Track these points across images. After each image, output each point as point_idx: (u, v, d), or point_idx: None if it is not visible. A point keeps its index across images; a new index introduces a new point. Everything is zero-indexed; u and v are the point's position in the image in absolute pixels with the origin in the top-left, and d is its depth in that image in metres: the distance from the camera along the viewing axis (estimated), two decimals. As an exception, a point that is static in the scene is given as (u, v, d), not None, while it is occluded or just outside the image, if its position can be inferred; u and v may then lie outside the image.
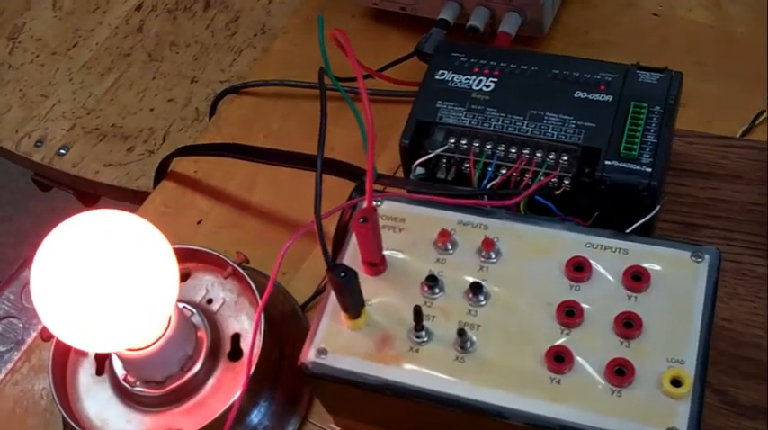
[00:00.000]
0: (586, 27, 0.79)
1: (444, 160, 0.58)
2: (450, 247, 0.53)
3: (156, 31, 0.95)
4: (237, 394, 0.54)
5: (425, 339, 0.50)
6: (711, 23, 0.78)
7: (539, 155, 0.56)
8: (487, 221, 0.53)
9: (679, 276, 0.50)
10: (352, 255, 0.53)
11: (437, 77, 0.61)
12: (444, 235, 0.52)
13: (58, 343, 0.58)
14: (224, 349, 0.59)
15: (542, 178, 0.56)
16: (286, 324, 0.62)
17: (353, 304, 0.49)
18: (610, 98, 0.58)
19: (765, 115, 0.69)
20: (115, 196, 0.87)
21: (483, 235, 0.53)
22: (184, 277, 0.61)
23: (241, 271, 0.60)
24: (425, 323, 0.50)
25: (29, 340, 0.66)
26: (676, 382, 0.46)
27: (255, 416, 0.58)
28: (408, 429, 0.55)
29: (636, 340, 0.48)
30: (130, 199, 0.86)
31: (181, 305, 0.58)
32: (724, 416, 0.57)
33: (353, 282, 0.48)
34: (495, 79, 0.60)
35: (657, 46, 0.77)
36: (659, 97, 0.57)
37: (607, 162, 0.55)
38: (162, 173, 0.75)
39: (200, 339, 0.58)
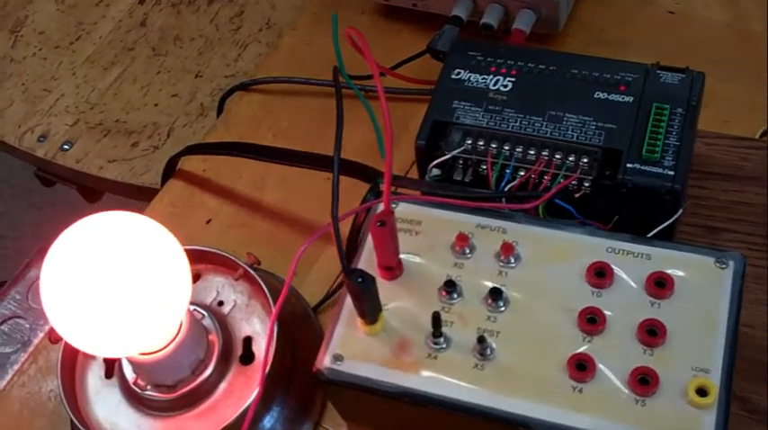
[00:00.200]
0: (602, 24, 0.77)
1: (461, 161, 0.57)
2: (468, 251, 0.51)
3: (160, 24, 0.94)
4: (251, 399, 0.53)
5: (444, 346, 0.49)
6: (728, 21, 0.77)
7: (558, 157, 0.55)
8: (506, 225, 0.52)
9: (703, 283, 0.49)
10: (367, 259, 0.52)
11: (453, 77, 0.59)
12: (462, 238, 0.51)
13: (67, 345, 0.57)
14: (235, 352, 0.58)
15: (562, 181, 0.54)
16: (298, 326, 0.61)
17: (371, 310, 0.48)
18: (630, 99, 0.57)
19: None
20: (119, 192, 0.87)
21: (501, 239, 0.52)
22: (195, 279, 0.60)
23: (252, 273, 0.59)
24: (443, 329, 0.48)
25: (35, 341, 0.65)
26: (702, 392, 0.45)
27: (268, 421, 0.57)
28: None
29: (660, 348, 0.47)
30: (135, 195, 0.85)
31: (192, 308, 0.57)
32: (746, 423, 0.56)
33: (371, 288, 0.47)
34: (513, 79, 0.59)
35: (674, 44, 0.75)
36: (681, 98, 0.56)
37: (629, 164, 0.54)
38: (170, 171, 0.74)
39: (212, 342, 0.57)
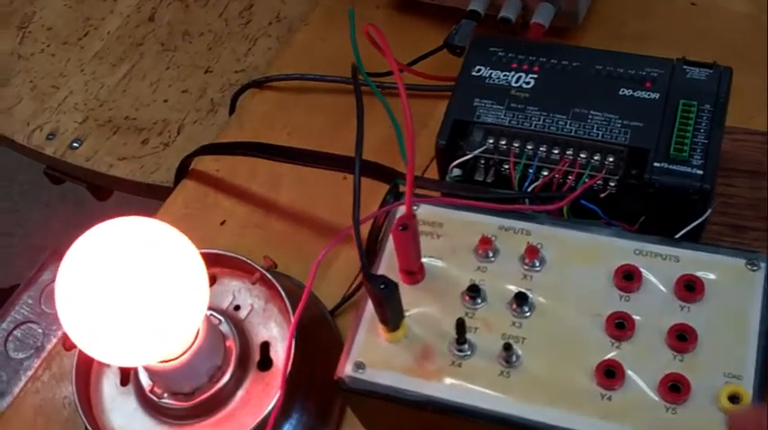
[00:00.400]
0: (622, 17, 0.76)
1: (483, 161, 0.56)
2: (491, 255, 0.50)
3: (169, 19, 0.92)
4: (271, 406, 0.52)
5: (468, 352, 0.47)
6: (751, 13, 0.75)
7: (583, 156, 0.54)
8: (530, 226, 0.51)
9: (734, 286, 0.48)
10: (388, 263, 0.51)
11: (474, 74, 0.58)
12: (485, 242, 0.50)
13: (82, 352, 0.56)
14: (253, 358, 0.56)
15: (587, 181, 0.53)
16: (316, 330, 0.60)
17: (393, 317, 0.47)
18: (657, 96, 0.55)
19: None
20: (129, 190, 0.86)
21: (526, 241, 0.50)
22: (211, 283, 0.59)
23: (270, 277, 0.57)
24: (467, 335, 0.47)
25: (49, 346, 0.64)
26: (734, 399, 0.44)
27: (287, 429, 0.56)
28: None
29: (690, 354, 0.46)
30: (145, 193, 0.84)
31: (208, 313, 0.56)
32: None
33: (394, 295, 0.45)
34: (536, 75, 0.57)
35: (696, 37, 0.74)
36: (709, 95, 0.55)
37: (656, 164, 0.52)
38: (183, 171, 0.73)
39: (229, 348, 0.56)
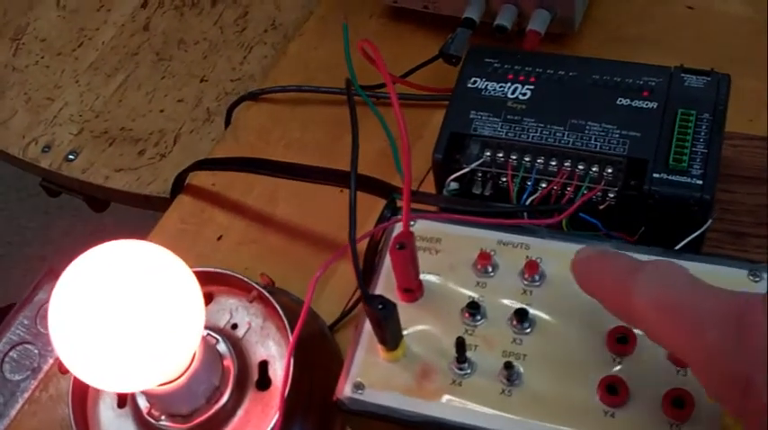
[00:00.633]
0: (618, 22, 0.75)
1: (480, 174, 0.55)
2: (490, 270, 0.49)
3: (164, 28, 0.92)
4: (270, 427, 0.51)
5: (468, 371, 0.47)
6: (749, 15, 0.74)
7: (581, 167, 0.53)
8: (529, 240, 0.50)
9: (736, 297, 0.47)
10: (386, 280, 0.50)
11: (469, 86, 0.57)
12: (484, 257, 0.49)
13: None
14: (251, 378, 0.56)
15: (586, 192, 0.52)
16: (315, 348, 0.59)
17: (392, 337, 0.46)
18: (654, 105, 0.54)
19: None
20: (126, 202, 0.85)
21: (525, 255, 0.50)
22: (207, 301, 0.58)
23: (267, 295, 0.57)
24: (467, 353, 0.47)
25: (45, 367, 0.64)
26: (738, 414, 0.43)
27: (287, 449, 0.55)
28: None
29: (694, 369, 0.45)
30: (142, 204, 0.84)
31: (205, 332, 0.55)
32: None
33: (393, 315, 0.45)
34: (532, 86, 0.57)
35: (694, 40, 0.73)
36: (707, 103, 0.54)
37: (655, 175, 0.52)
38: (178, 186, 0.72)
39: (227, 368, 0.55)
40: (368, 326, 0.48)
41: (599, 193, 0.53)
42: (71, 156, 0.85)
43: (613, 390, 0.45)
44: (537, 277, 0.49)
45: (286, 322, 0.56)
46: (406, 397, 0.46)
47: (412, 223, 0.51)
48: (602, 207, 0.53)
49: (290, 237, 0.68)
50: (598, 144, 0.54)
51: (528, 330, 0.47)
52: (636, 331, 0.46)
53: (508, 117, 0.56)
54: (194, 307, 0.48)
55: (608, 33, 0.74)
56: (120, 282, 0.45)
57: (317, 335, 0.61)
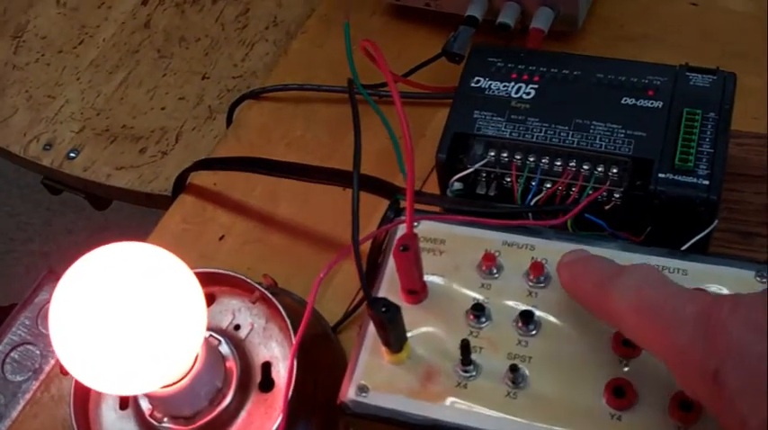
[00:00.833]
0: (622, 19, 0.75)
1: (484, 174, 0.55)
2: (495, 271, 0.49)
3: (165, 25, 0.91)
4: (273, 429, 0.51)
5: (473, 373, 0.46)
6: (753, 12, 0.74)
7: (586, 167, 0.53)
8: (534, 241, 0.50)
9: (743, 298, 0.46)
10: (389, 282, 0.50)
11: (473, 85, 0.57)
12: (489, 258, 0.49)
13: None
14: (254, 379, 0.55)
15: (591, 193, 0.52)
16: (318, 349, 0.59)
17: (396, 339, 0.46)
18: (660, 104, 0.54)
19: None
20: (128, 200, 0.85)
21: (530, 256, 0.49)
22: (209, 302, 0.58)
23: (270, 296, 0.56)
24: (472, 356, 0.46)
25: (47, 368, 0.63)
26: (747, 418, 0.43)
27: (290, 451, 0.55)
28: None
29: (701, 371, 0.45)
30: (144, 202, 0.83)
31: (207, 334, 0.54)
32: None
33: (396, 318, 0.44)
34: (536, 86, 0.56)
35: (698, 37, 0.73)
36: (713, 102, 0.54)
37: (661, 175, 0.51)
38: (180, 185, 0.72)
39: (230, 370, 0.54)
40: (371, 328, 0.47)
41: (604, 194, 0.52)
42: (72, 154, 0.85)
43: (620, 393, 0.45)
44: (542, 278, 0.48)
45: (289, 323, 0.55)
46: (411, 399, 0.46)
47: (415, 224, 0.51)
48: (607, 207, 0.53)
49: (293, 237, 0.68)
50: (603, 144, 0.53)
51: (533, 332, 0.47)
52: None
53: (512, 117, 0.55)
54: (196, 309, 0.48)
55: (612, 31, 0.74)
56: (120, 285, 0.45)
57: (320, 336, 0.61)
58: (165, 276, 0.47)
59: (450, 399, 0.46)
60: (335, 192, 0.65)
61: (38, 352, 0.64)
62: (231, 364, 0.55)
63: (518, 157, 0.54)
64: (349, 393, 0.47)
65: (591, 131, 0.54)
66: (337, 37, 0.63)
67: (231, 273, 0.58)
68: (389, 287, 0.50)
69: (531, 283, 0.49)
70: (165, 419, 0.53)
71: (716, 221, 0.51)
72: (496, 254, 0.49)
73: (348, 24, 0.52)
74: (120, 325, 0.44)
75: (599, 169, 0.53)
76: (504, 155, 0.54)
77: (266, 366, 0.56)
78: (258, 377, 0.56)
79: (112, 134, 0.85)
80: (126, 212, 1.17)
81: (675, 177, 0.51)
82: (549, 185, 0.53)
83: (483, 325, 0.48)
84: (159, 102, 0.86)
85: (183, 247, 0.64)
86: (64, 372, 0.56)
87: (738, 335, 0.36)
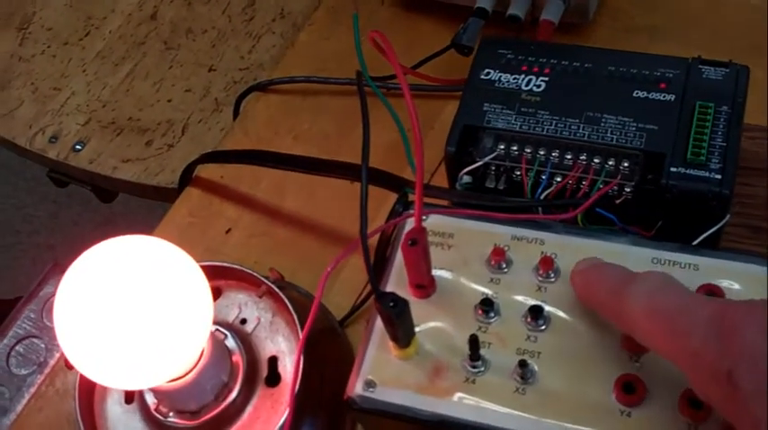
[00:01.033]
0: (633, 11, 0.74)
1: (493, 168, 0.54)
2: (504, 266, 0.49)
3: (171, 17, 0.91)
4: (280, 424, 0.51)
5: (482, 369, 0.46)
6: (765, 4, 0.73)
7: (597, 161, 0.52)
8: (543, 235, 0.49)
9: (755, 294, 0.46)
10: (397, 276, 0.49)
11: (483, 77, 0.56)
12: (498, 253, 0.48)
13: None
14: (261, 374, 0.55)
15: (602, 187, 0.51)
16: (325, 343, 0.59)
17: (404, 334, 0.45)
18: (672, 97, 0.53)
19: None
20: (134, 192, 0.85)
21: (540, 251, 0.49)
22: (216, 295, 0.58)
23: (277, 290, 0.56)
24: (481, 351, 0.46)
25: (52, 362, 0.63)
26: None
27: (297, 446, 0.55)
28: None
29: (712, 367, 0.44)
30: (150, 195, 0.83)
31: (213, 328, 0.54)
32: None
33: (405, 312, 0.44)
34: (546, 78, 0.56)
35: (708, 29, 0.72)
36: (726, 96, 0.53)
37: (673, 169, 0.51)
38: (186, 178, 0.71)
39: (236, 364, 0.54)
40: (379, 323, 0.47)
41: (615, 187, 0.52)
42: (78, 147, 0.84)
43: (630, 389, 0.44)
44: (552, 273, 0.48)
45: (296, 317, 0.55)
46: (419, 395, 0.46)
47: (424, 218, 0.50)
48: (618, 201, 0.52)
49: (300, 231, 0.67)
50: (614, 137, 0.53)
51: (542, 327, 0.47)
52: (653, 329, 0.45)
53: (522, 109, 0.55)
54: (203, 302, 0.47)
55: (622, 23, 0.73)
56: (126, 278, 0.45)
57: (327, 330, 0.60)
58: (172, 270, 0.46)
59: (458, 395, 0.45)
60: (343, 186, 0.64)
61: (43, 345, 0.64)
62: (237, 359, 0.54)
63: (528, 151, 0.53)
64: (356, 388, 0.46)
65: (602, 124, 0.53)
66: (345, 29, 0.62)
67: (238, 267, 0.58)
68: (397, 281, 0.49)
69: (540, 278, 0.48)
70: (171, 414, 0.53)
71: (728, 216, 0.51)
72: (506, 248, 0.49)
73: (357, 15, 0.52)
74: (126, 319, 0.44)
75: (610, 163, 0.52)
76: (514, 148, 0.54)
77: (273, 360, 0.56)
78: (264, 371, 0.55)
79: (118, 126, 0.85)
80: (132, 205, 1.17)
81: (687, 171, 0.51)
82: (559, 179, 0.53)
83: (492, 320, 0.47)
84: (166, 94, 0.86)
85: (189, 241, 0.64)
86: (69, 366, 0.55)
87: (753, 338, 0.36)
